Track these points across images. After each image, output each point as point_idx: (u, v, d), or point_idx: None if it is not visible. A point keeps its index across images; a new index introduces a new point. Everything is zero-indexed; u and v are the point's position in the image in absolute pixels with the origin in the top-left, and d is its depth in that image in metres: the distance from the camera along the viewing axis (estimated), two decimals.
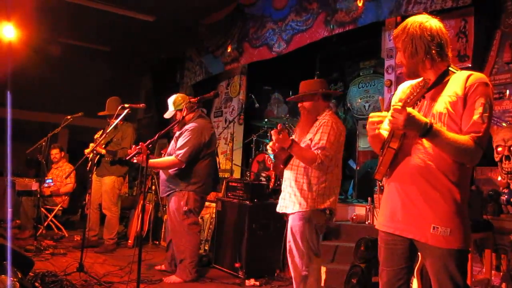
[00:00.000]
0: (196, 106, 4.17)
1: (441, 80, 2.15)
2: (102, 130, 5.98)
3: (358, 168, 6.46)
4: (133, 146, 4.18)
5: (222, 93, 8.25)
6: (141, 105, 4.98)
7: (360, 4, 5.12)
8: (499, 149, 3.56)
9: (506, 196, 3.73)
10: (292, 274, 3.35)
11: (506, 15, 4.15)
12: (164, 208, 6.28)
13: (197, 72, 8.38)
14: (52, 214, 6.73)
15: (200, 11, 7.88)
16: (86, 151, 6.06)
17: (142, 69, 10.74)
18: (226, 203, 5.25)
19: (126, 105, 4.50)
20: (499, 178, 3.83)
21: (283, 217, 3.54)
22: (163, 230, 6.28)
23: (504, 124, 3.98)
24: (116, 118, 4.54)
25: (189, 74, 8.71)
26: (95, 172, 6.01)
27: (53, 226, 6.79)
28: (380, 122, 2.16)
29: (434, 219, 2.05)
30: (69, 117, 6.06)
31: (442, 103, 2.09)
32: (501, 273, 3.63)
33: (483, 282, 3.64)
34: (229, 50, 7.34)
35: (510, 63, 4.09)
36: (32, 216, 6.44)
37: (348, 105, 7.65)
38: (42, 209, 6.47)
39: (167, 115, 4.80)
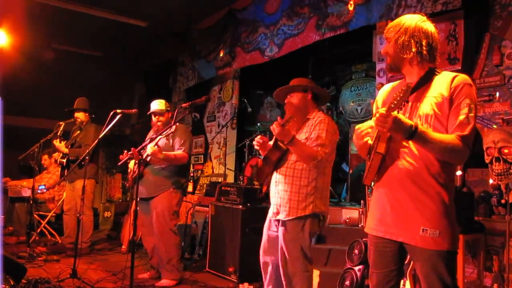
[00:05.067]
0: (187, 111, 4.17)
1: (425, 81, 2.18)
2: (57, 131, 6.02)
3: (351, 171, 6.47)
4: (125, 151, 4.18)
5: (214, 98, 8.26)
6: (133, 110, 4.97)
7: (351, 8, 5.15)
8: (489, 151, 3.58)
9: (496, 198, 3.76)
10: (284, 282, 3.25)
11: (494, 18, 4.20)
12: None
13: (190, 77, 8.38)
14: (45, 220, 6.70)
15: (193, 16, 7.90)
16: (54, 155, 6.12)
17: (135, 74, 10.73)
18: (219, 207, 5.25)
19: (119, 111, 4.49)
20: (490, 180, 3.86)
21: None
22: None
23: (494, 126, 4.01)
24: (108, 124, 4.52)
25: (181, 79, 8.72)
26: (67, 179, 6.07)
27: (46, 233, 6.75)
28: (368, 133, 2.20)
29: (423, 221, 2.07)
30: (61, 123, 6.05)
31: (428, 105, 2.12)
32: (493, 274, 3.66)
33: (475, 283, 3.66)
34: (221, 54, 7.35)
35: (499, 66, 4.13)
36: (25, 222, 6.42)
37: (341, 108, 7.68)
38: (35, 215, 6.44)
39: (155, 107, 4.78)
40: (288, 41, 6.06)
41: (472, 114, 2.05)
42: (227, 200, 5.20)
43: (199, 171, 8.25)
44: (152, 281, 4.67)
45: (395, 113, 1.95)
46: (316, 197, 3.22)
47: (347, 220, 5.04)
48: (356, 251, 3.98)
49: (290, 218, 3.20)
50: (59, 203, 6.78)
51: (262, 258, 3.46)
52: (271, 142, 3.42)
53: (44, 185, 6.90)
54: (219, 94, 8.17)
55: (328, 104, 7.02)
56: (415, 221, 2.09)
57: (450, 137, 2.03)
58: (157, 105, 4.80)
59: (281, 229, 3.27)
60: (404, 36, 2.17)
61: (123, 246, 6.43)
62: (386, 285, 2.25)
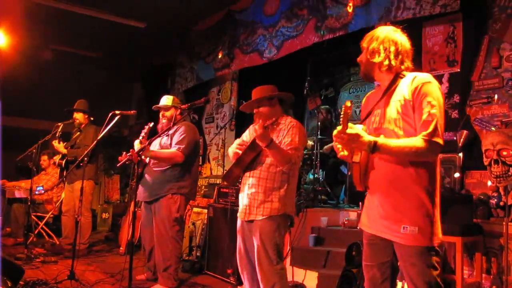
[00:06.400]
0: (186, 113, 4.16)
1: (391, 86, 2.34)
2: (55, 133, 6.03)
3: (349, 173, 6.46)
4: (124, 153, 4.16)
5: (213, 99, 8.25)
6: (132, 111, 4.96)
7: (350, 10, 5.15)
8: (488, 153, 3.59)
9: (495, 200, 3.76)
10: (262, 283, 3.30)
11: (493, 20, 4.20)
12: None
13: (188, 78, 8.38)
14: (43, 222, 6.69)
15: (191, 17, 7.89)
16: (54, 158, 6.14)
17: (133, 75, 10.71)
18: (218, 209, 5.25)
19: (117, 112, 4.48)
20: (489, 182, 3.86)
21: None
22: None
23: (493, 129, 4.01)
24: (107, 125, 4.52)
25: (180, 80, 8.71)
26: (66, 180, 6.07)
27: (44, 234, 6.74)
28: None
29: (404, 220, 2.23)
30: (59, 124, 6.05)
31: (393, 109, 2.28)
32: (491, 276, 3.66)
33: (473, 285, 3.66)
34: (220, 56, 7.35)
35: (498, 68, 4.13)
36: (23, 224, 6.41)
37: (339, 110, 7.68)
38: (32, 216, 6.43)
39: (162, 102, 4.72)
40: (287, 43, 6.05)
41: (434, 111, 2.14)
42: (225, 202, 5.20)
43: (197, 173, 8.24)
44: (149, 283, 4.66)
45: (353, 129, 2.12)
46: (287, 198, 3.37)
47: (345, 222, 5.02)
48: (354, 253, 3.97)
49: (265, 217, 3.30)
50: (57, 204, 6.78)
51: (239, 262, 3.55)
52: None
53: (42, 186, 6.88)
54: (218, 96, 8.17)
55: (327, 106, 7.03)
56: (397, 220, 2.24)
57: (413, 140, 2.14)
58: (163, 100, 4.74)
59: (257, 229, 3.34)
60: (375, 43, 2.36)
61: (121, 248, 6.42)
62: (381, 277, 2.40)
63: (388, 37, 2.35)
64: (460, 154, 4.24)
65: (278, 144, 3.28)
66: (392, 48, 2.32)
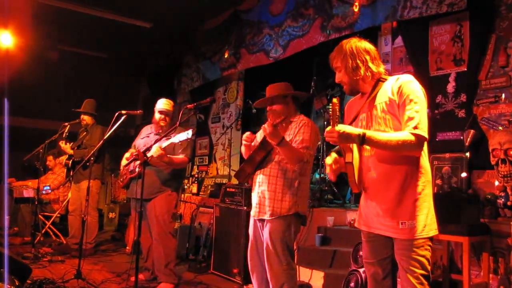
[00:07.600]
0: (192, 113, 4.16)
1: (373, 90, 2.43)
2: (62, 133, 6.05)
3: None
4: (131, 152, 4.18)
5: (219, 99, 8.26)
6: (138, 111, 4.97)
7: (356, 9, 5.14)
8: (495, 152, 3.57)
9: (503, 200, 3.74)
10: (271, 282, 3.31)
11: (500, 19, 4.17)
12: None
13: (194, 78, 8.39)
14: (50, 221, 6.72)
15: (197, 17, 7.91)
16: (61, 158, 6.15)
17: (139, 75, 10.75)
18: (224, 209, 5.25)
19: (123, 112, 4.49)
20: (496, 182, 3.84)
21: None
22: None
23: (500, 128, 3.99)
24: (113, 125, 4.53)
25: (186, 80, 8.72)
26: (72, 180, 6.09)
27: (51, 233, 6.77)
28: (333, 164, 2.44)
29: (401, 216, 2.31)
30: (66, 123, 6.07)
31: (380, 110, 2.37)
32: (499, 277, 3.64)
33: (481, 286, 3.64)
34: (226, 56, 7.35)
35: (505, 67, 4.11)
36: (30, 223, 6.45)
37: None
38: (39, 215, 6.46)
39: (163, 106, 4.74)
40: (293, 42, 6.05)
41: (417, 107, 2.24)
42: (231, 202, 5.20)
43: (204, 172, 8.25)
44: (148, 283, 4.66)
45: (340, 127, 2.19)
46: (299, 197, 3.33)
47: (352, 222, 5.02)
48: (361, 253, 3.96)
49: (276, 217, 3.28)
50: (64, 203, 6.81)
51: (250, 261, 3.55)
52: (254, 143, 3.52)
53: (49, 185, 6.92)
54: (224, 95, 8.17)
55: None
56: (394, 217, 2.33)
57: (400, 134, 2.23)
58: (166, 105, 4.76)
59: (266, 228, 3.33)
60: (351, 60, 2.42)
61: (127, 247, 6.44)
62: (382, 273, 2.46)
63: (358, 48, 2.44)
64: (467, 154, 4.22)
65: (289, 142, 3.25)
66: (368, 57, 2.43)
